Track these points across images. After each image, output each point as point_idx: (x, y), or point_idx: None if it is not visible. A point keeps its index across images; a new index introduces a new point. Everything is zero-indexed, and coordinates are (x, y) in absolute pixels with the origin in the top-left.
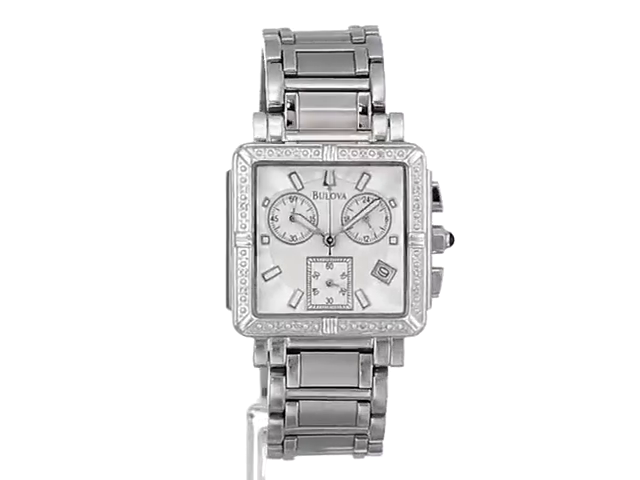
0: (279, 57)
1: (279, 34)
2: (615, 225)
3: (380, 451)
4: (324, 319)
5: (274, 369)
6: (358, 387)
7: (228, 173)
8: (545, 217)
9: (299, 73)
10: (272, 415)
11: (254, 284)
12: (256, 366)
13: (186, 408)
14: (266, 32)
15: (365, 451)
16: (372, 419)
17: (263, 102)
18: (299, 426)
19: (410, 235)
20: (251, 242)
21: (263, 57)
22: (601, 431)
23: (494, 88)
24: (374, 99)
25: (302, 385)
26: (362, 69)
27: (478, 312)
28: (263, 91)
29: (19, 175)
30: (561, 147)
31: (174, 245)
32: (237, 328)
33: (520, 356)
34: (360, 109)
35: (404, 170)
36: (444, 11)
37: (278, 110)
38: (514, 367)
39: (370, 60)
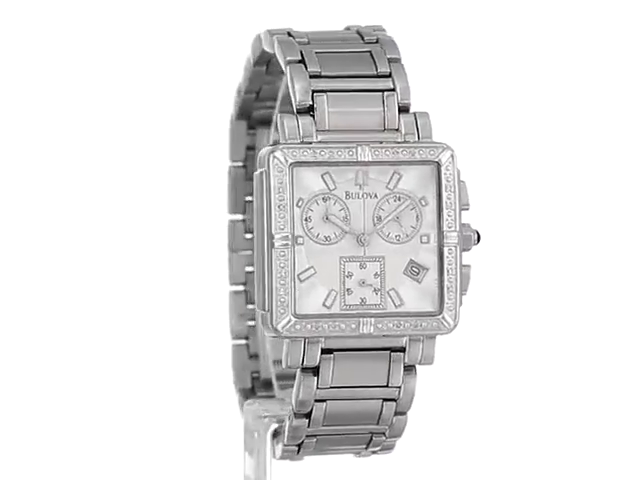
0: (299, 57)
1: (289, 34)
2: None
3: (392, 449)
4: (360, 319)
5: (305, 370)
6: (387, 385)
7: (262, 174)
8: (557, 213)
9: (322, 74)
10: (296, 416)
11: (293, 285)
12: (288, 367)
13: (183, 409)
14: (274, 32)
15: (378, 449)
16: (394, 417)
17: (243, 104)
18: (322, 426)
19: (445, 234)
20: (290, 243)
21: (258, 58)
22: (624, 434)
23: (496, 86)
24: (399, 98)
25: (332, 385)
26: (383, 69)
27: (492, 310)
28: (249, 92)
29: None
30: (566, 142)
31: (168, 243)
32: (275, 329)
33: (532, 357)
34: (387, 109)
35: (437, 169)
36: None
37: (305, 111)
38: (525, 367)
39: (389, 60)
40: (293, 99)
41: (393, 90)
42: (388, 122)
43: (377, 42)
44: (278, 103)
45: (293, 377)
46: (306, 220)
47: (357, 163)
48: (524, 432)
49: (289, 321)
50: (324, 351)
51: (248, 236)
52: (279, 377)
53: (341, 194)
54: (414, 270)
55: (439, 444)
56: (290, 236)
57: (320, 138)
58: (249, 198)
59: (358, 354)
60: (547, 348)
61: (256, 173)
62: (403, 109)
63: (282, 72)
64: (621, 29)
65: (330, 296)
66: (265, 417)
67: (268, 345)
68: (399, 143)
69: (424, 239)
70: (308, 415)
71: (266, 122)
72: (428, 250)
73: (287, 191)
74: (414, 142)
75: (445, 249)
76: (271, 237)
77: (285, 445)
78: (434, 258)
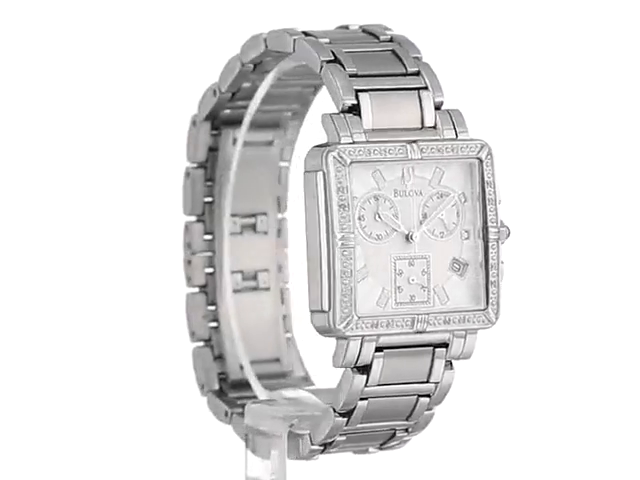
0: (332, 57)
1: (306, 34)
2: None
3: (403, 445)
4: (414, 316)
5: (355, 368)
6: (427, 381)
7: (317, 174)
8: (566, 208)
9: (359, 73)
10: (337, 415)
11: (354, 284)
12: (340, 367)
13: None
14: (290, 33)
15: (395, 444)
16: (425, 412)
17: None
18: (358, 424)
19: (489, 229)
20: (353, 243)
21: (255, 58)
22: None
23: (491, 84)
24: (434, 96)
25: (380, 383)
26: (413, 68)
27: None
28: (227, 92)
29: None
30: (566, 140)
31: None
32: (337, 330)
33: (538, 357)
34: (424, 106)
35: (479, 165)
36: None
37: (348, 110)
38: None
39: (414, 58)
40: (337, 98)
41: (426, 88)
42: (426, 120)
43: (392, 41)
44: (257, 102)
45: (277, 376)
46: (359, 219)
47: (408, 161)
48: (532, 432)
49: (352, 320)
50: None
51: (207, 237)
52: (262, 377)
53: (390, 192)
54: (456, 266)
55: (438, 443)
56: (353, 235)
57: (368, 137)
58: (208, 199)
59: (404, 351)
60: (552, 346)
61: (307, 173)
62: (437, 106)
63: (267, 72)
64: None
65: (384, 294)
66: (281, 417)
67: (231, 346)
68: (442, 140)
69: (465, 235)
70: (348, 414)
71: (232, 122)
72: (468, 246)
73: (348, 190)
74: (454, 139)
75: (490, 244)
76: (334, 236)
77: (313, 445)
78: (474, 254)
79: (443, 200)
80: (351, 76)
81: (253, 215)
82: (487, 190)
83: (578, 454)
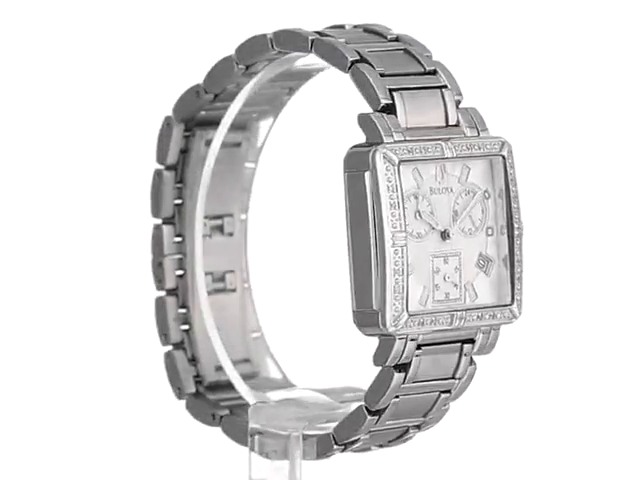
0: (359, 57)
1: (321, 34)
2: None
3: (407, 441)
4: (452, 313)
5: (396, 367)
6: (453, 377)
7: (365, 174)
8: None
9: (386, 72)
10: (371, 413)
11: (406, 283)
12: (381, 366)
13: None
14: (304, 33)
15: (403, 439)
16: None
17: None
18: (385, 422)
19: (514, 226)
20: (404, 242)
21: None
22: None
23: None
24: (455, 94)
25: (415, 380)
26: (430, 67)
27: None
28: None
29: None
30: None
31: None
32: (387, 329)
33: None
34: (447, 105)
35: (503, 162)
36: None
37: (385, 110)
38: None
39: (426, 57)
40: (373, 98)
41: (446, 87)
42: (450, 118)
43: (398, 40)
44: (239, 104)
45: (249, 377)
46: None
47: (444, 159)
48: (533, 430)
49: (402, 319)
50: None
51: (177, 240)
52: (247, 377)
53: (427, 190)
54: (482, 263)
55: (438, 443)
56: (404, 234)
57: (405, 136)
58: (178, 201)
59: (438, 348)
60: (555, 342)
61: (352, 174)
62: (457, 104)
63: (254, 74)
64: None
65: (425, 292)
66: (296, 418)
67: (205, 348)
68: (468, 138)
69: (489, 232)
70: (379, 412)
71: (207, 123)
72: (493, 242)
73: (397, 189)
74: (477, 136)
75: (515, 241)
76: (387, 236)
77: (337, 444)
78: (497, 250)
79: (472, 197)
80: (381, 75)
81: (220, 217)
82: (511, 187)
83: (583, 454)
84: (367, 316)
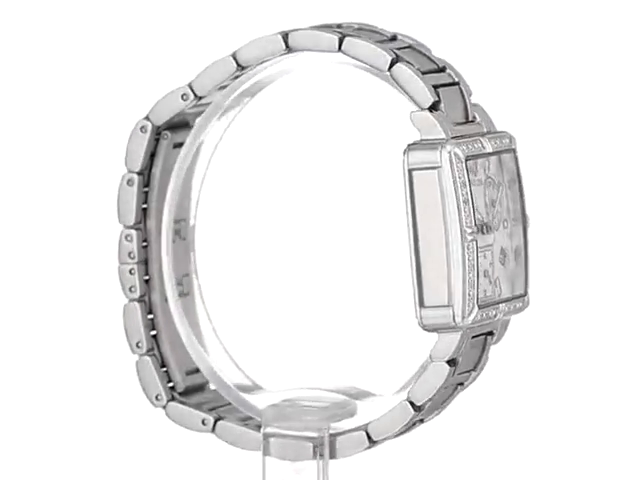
0: (395, 56)
1: (344, 35)
2: None
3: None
4: (496, 306)
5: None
6: (474, 369)
7: (431, 171)
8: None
9: (421, 69)
10: (416, 409)
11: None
12: (441, 360)
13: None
14: (327, 32)
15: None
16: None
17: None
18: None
19: (527, 218)
20: (474, 237)
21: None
22: None
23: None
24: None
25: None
26: (440, 64)
27: None
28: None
29: None
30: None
31: None
32: (461, 323)
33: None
34: (467, 101)
35: (513, 155)
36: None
37: (432, 108)
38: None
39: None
40: (422, 96)
41: (459, 83)
42: (469, 113)
43: (395, 38)
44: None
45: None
46: None
47: (485, 154)
48: (535, 429)
49: (473, 313)
50: None
51: (144, 244)
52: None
53: (474, 185)
54: (501, 256)
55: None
56: (474, 229)
57: (454, 133)
58: (144, 206)
59: (472, 341)
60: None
61: (417, 172)
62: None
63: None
64: None
65: (475, 287)
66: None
67: (174, 352)
68: (488, 133)
69: (505, 224)
70: (420, 407)
71: (178, 126)
72: (507, 235)
73: (466, 185)
74: (492, 132)
75: (527, 232)
76: (462, 231)
77: (375, 441)
78: (510, 242)
79: (498, 190)
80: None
81: (178, 221)
82: (522, 180)
83: (583, 452)
84: (439, 312)
